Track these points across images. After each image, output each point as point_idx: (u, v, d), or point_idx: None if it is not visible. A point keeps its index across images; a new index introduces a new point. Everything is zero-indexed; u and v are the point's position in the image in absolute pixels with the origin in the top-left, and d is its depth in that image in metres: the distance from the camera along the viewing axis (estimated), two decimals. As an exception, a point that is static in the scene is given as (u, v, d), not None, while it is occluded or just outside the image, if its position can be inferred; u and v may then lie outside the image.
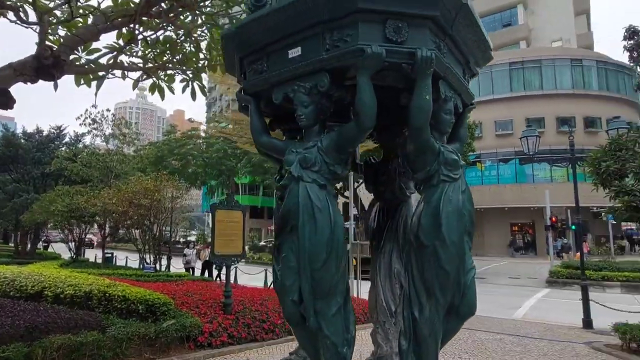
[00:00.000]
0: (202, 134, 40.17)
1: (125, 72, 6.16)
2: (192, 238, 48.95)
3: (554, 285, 16.85)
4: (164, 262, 15.76)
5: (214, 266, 14.26)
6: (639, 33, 7.43)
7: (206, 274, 15.56)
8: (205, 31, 6.68)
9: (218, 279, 14.29)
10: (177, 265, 17.22)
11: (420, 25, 2.54)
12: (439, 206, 2.64)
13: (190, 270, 15.78)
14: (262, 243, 35.67)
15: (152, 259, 15.23)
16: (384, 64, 2.47)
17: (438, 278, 2.64)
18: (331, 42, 2.56)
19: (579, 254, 11.16)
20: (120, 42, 5.79)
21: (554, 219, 25.65)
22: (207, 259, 14.16)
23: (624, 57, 8.41)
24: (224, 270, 7.64)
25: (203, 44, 6.59)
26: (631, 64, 7.80)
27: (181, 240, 36.92)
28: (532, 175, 32.78)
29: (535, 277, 19.70)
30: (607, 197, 7.74)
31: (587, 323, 8.88)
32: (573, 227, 30.57)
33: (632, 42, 7.56)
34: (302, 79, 2.70)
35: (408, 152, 2.81)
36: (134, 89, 6.51)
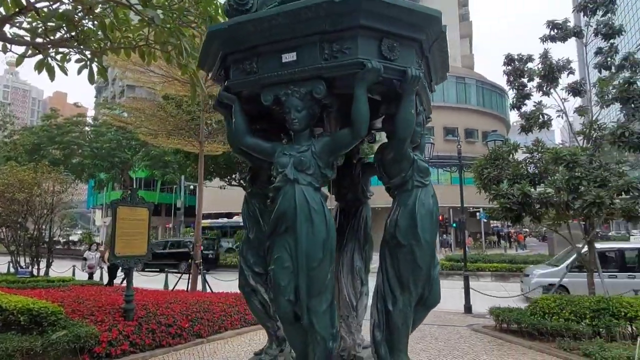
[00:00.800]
0: (90, 121, 35.97)
1: (8, 45, 5.28)
2: (75, 237, 43.60)
3: (439, 276, 18.88)
4: (43, 265, 13.77)
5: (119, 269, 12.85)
6: (515, 61, 8.77)
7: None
8: (109, 9, 6.06)
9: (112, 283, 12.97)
10: (58, 269, 15.20)
11: (409, 47, 2.80)
12: (415, 209, 2.88)
13: (93, 275, 13.95)
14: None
15: (27, 261, 13.22)
16: (378, 78, 2.64)
17: (413, 274, 2.87)
18: (330, 52, 2.66)
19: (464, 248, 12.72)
20: (2, 10, 4.95)
21: (440, 217, 28.79)
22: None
23: (502, 80, 9.85)
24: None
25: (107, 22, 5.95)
26: (508, 87, 9.14)
27: (61, 240, 32.62)
28: (423, 178, 36.24)
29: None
30: (486, 199, 8.97)
31: (468, 308, 10.19)
32: (454, 224, 34.74)
33: (509, 67, 8.88)
34: (296, 83, 2.75)
35: (386, 159, 3.02)
36: (17, 65, 5.62)
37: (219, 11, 5.40)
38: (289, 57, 2.74)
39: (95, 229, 58.74)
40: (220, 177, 26.15)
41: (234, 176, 26.63)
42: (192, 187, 38.72)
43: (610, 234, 38.86)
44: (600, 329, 6.63)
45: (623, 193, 6.81)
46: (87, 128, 34.62)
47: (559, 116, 8.44)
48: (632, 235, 33.25)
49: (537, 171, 7.78)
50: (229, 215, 35.97)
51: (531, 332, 7.27)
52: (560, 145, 9.25)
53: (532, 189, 7.74)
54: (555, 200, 7.36)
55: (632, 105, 7.29)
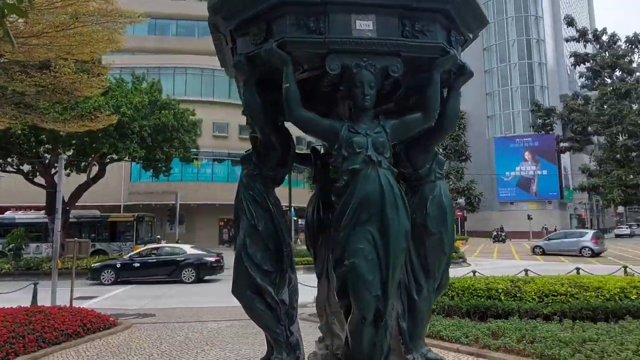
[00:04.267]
0: None
1: None
2: None
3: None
4: None
5: None
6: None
7: None
8: None
9: None
10: None
11: (462, 43, 2.88)
12: (442, 199, 2.98)
13: None
14: None
15: None
16: (451, 67, 2.66)
17: (439, 260, 2.99)
18: (411, 30, 2.47)
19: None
20: None
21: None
22: None
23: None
24: None
25: None
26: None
27: None
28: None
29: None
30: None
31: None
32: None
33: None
34: (371, 56, 2.42)
35: (416, 149, 3.03)
36: None
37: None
38: (364, 24, 2.40)
39: None
40: (-11, 162, 20.27)
41: (9, 160, 20.95)
42: None
43: None
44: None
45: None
46: None
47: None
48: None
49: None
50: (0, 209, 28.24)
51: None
52: None
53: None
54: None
55: None
